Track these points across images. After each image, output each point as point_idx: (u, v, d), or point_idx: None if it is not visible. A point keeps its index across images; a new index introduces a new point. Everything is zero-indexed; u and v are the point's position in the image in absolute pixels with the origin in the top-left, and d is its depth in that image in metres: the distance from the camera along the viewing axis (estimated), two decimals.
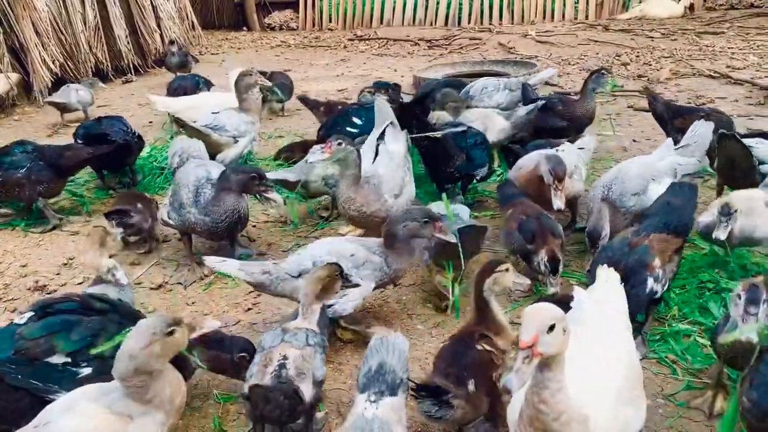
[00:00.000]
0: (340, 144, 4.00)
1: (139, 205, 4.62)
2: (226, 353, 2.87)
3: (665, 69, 9.18)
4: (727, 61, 9.53)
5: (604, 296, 2.67)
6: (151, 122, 7.87)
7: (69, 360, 2.52)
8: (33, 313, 2.70)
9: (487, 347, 2.71)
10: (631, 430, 2.27)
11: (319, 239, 3.72)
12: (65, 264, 4.60)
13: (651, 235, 3.34)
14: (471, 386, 2.55)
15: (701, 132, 4.43)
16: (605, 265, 2.89)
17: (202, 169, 4.37)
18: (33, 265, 4.63)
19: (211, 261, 3.35)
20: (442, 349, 2.82)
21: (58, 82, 9.26)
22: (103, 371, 2.44)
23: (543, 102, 5.74)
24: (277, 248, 4.70)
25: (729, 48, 10.43)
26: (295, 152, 6.06)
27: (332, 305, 3.27)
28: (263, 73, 7.12)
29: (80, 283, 4.33)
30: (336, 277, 2.95)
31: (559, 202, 3.91)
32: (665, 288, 3.28)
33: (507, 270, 2.90)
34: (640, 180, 4.07)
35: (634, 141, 6.41)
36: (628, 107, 7.63)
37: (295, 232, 4.92)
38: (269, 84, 6.14)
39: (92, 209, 5.48)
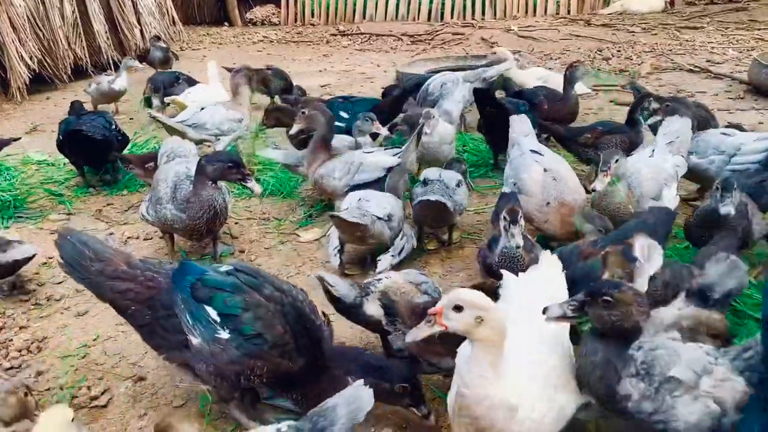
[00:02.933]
0: (303, 113, 4.87)
1: None
2: (386, 382, 2.74)
3: (646, 63, 9.25)
4: (707, 56, 9.62)
5: (542, 281, 2.74)
6: (132, 119, 7.78)
7: (218, 319, 2.67)
8: (231, 267, 2.84)
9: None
10: (564, 416, 2.36)
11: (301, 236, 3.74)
12: (44, 263, 4.54)
13: (608, 246, 3.22)
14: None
15: (679, 128, 4.41)
16: (548, 252, 3.02)
17: (182, 165, 4.31)
18: None
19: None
20: None
21: (35, 79, 9.15)
22: (237, 344, 2.65)
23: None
24: (259, 245, 4.68)
25: (709, 43, 10.53)
26: (284, 116, 5.92)
27: (403, 247, 4.19)
28: (259, 70, 7.19)
29: (60, 282, 4.28)
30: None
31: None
32: None
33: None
34: (655, 183, 4.01)
35: None
36: (610, 102, 7.68)
37: (277, 229, 4.89)
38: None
39: (73, 208, 5.41)
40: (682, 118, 4.52)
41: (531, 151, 4.31)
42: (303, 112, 4.87)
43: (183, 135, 5.27)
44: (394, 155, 4.72)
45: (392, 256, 4.14)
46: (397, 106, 6.09)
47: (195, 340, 2.69)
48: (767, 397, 2.16)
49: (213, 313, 2.67)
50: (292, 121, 5.20)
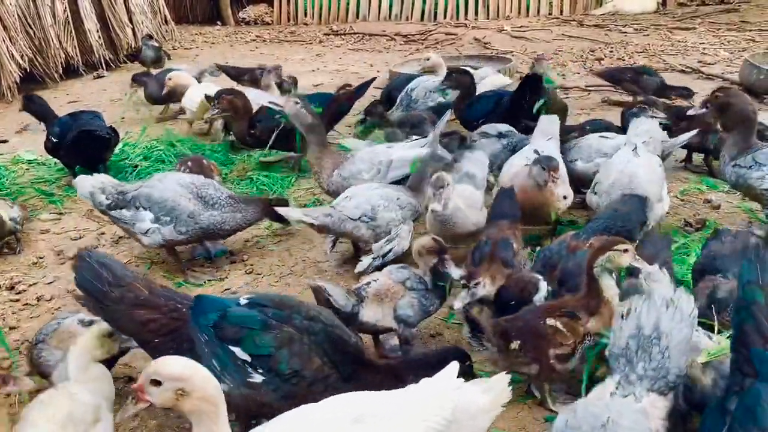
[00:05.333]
0: (297, 103, 4.52)
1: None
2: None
3: (638, 64, 9.27)
4: (698, 57, 9.66)
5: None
6: (123, 118, 7.74)
7: (249, 360, 2.47)
8: (249, 300, 2.66)
9: (558, 326, 2.81)
10: None
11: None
12: (35, 263, 4.51)
13: (592, 238, 3.29)
14: (514, 344, 2.80)
15: (649, 128, 4.39)
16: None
17: (174, 177, 4.32)
18: (1, 263, 4.53)
19: (283, 211, 4.05)
20: (524, 309, 3.00)
21: (26, 78, 9.09)
22: (274, 386, 2.48)
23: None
24: (251, 245, 4.66)
25: (701, 43, 10.57)
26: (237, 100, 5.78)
27: (390, 250, 3.83)
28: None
29: (50, 283, 4.25)
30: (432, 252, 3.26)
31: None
32: None
33: (625, 251, 2.80)
34: (656, 186, 3.97)
35: None
36: (602, 101, 7.70)
37: (269, 229, 4.87)
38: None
39: (64, 207, 5.38)
40: (650, 119, 4.56)
41: (534, 150, 4.33)
42: (296, 102, 4.60)
43: None
44: (421, 147, 4.58)
45: (373, 258, 3.93)
46: (353, 100, 6.10)
47: (224, 387, 2.42)
48: (725, 406, 2.14)
49: (243, 354, 2.47)
50: (245, 107, 5.25)
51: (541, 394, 2.95)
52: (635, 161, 4.05)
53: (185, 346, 2.58)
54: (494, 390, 2.29)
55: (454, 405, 2.13)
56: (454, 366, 2.27)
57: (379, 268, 3.62)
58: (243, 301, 2.63)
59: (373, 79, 6.22)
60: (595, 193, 4.08)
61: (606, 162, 4.27)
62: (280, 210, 4.11)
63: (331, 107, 5.73)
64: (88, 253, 2.77)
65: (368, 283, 3.30)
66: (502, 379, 2.33)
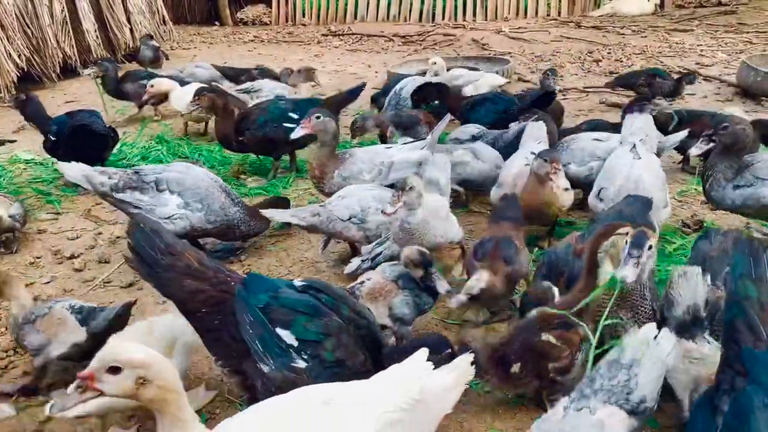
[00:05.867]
0: (318, 117, 4.40)
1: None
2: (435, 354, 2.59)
3: (636, 66, 9.29)
4: (696, 58, 9.69)
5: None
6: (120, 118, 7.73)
7: (295, 344, 2.44)
8: (306, 284, 2.63)
9: (552, 340, 2.76)
10: None
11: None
12: (32, 263, 4.50)
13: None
14: (515, 368, 2.77)
15: (643, 125, 4.37)
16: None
17: (200, 169, 4.40)
18: None
19: (267, 212, 4.09)
20: (516, 325, 2.97)
21: (24, 77, 9.07)
22: (316, 373, 2.44)
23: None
24: (249, 244, 4.66)
25: (698, 45, 10.60)
26: (219, 99, 5.62)
27: (380, 253, 3.76)
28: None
29: (47, 282, 4.24)
30: (418, 264, 3.17)
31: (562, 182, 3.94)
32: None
33: (627, 234, 2.76)
34: (661, 192, 3.91)
35: None
36: (600, 103, 7.71)
37: (272, 231, 4.87)
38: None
39: (62, 207, 5.37)
40: (643, 114, 4.47)
41: (531, 153, 4.32)
42: (317, 117, 4.45)
43: None
44: (420, 149, 4.57)
45: (362, 260, 3.89)
46: (343, 105, 6.09)
47: (266, 368, 2.46)
48: (716, 404, 2.11)
49: (290, 338, 2.45)
50: (225, 107, 5.31)
51: (543, 402, 2.93)
52: (638, 164, 3.97)
53: (230, 319, 2.54)
54: (459, 368, 2.30)
55: (420, 387, 2.13)
56: (422, 352, 2.28)
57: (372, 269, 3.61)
58: (298, 284, 2.62)
59: (363, 84, 6.19)
60: (601, 200, 3.96)
61: (608, 166, 4.12)
62: (265, 212, 4.12)
63: None
64: (142, 218, 2.76)
65: (362, 282, 3.30)
66: (467, 358, 2.34)
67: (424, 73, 7.42)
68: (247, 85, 7.27)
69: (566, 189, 4.08)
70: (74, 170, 4.11)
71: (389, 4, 14.53)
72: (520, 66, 9.57)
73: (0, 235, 4.59)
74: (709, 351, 2.55)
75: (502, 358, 2.80)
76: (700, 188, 5.14)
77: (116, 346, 1.92)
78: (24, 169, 6.23)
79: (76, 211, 5.30)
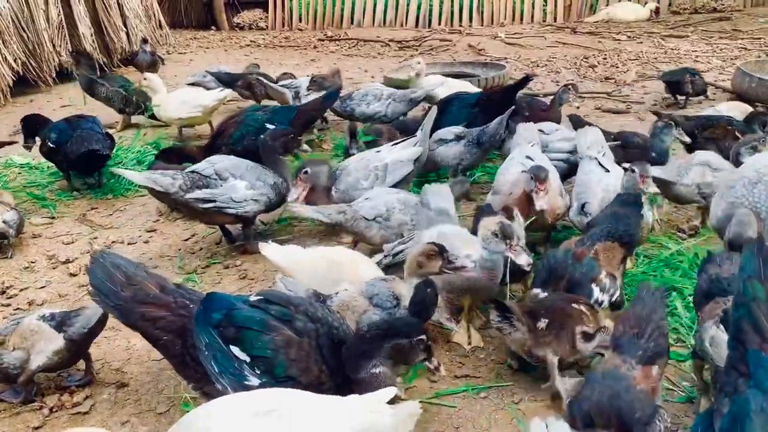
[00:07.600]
0: (306, 173, 4.53)
1: None
2: (405, 338, 2.54)
3: (631, 71, 9.33)
4: (691, 64, 9.71)
5: None
6: (116, 121, 7.72)
7: (248, 360, 2.45)
8: (260, 298, 2.62)
9: (582, 308, 2.98)
10: None
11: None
12: (26, 268, 4.48)
13: (596, 244, 3.29)
14: (542, 324, 2.92)
15: (596, 138, 4.42)
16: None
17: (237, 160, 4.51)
18: None
19: (293, 206, 4.20)
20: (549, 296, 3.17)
21: (19, 81, 9.05)
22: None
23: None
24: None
25: (693, 51, 10.65)
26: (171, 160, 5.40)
27: (401, 251, 3.62)
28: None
29: (42, 287, 4.22)
30: (434, 255, 3.15)
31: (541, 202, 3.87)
32: (614, 297, 3.24)
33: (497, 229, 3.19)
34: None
35: None
36: (596, 109, 7.73)
37: (267, 236, 4.86)
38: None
39: (57, 212, 5.35)
40: (591, 127, 4.59)
41: (527, 156, 4.32)
42: (306, 172, 4.54)
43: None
44: (413, 146, 4.62)
45: (385, 256, 3.88)
46: (321, 110, 6.13)
47: (220, 387, 2.48)
48: (717, 408, 2.07)
49: (242, 354, 2.45)
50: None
51: (550, 371, 2.94)
52: (610, 177, 4.08)
53: (191, 342, 2.57)
54: (400, 415, 2.21)
55: (363, 420, 2.14)
56: (390, 391, 2.27)
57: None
58: (253, 299, 2.62)
59: (339, 88, 6.22)
60: (588, 215, 3.94)
61: (581, 181, 4.17)
62: (293, 208, 4.21)
63: (299, 120, 5.56)
64: (102, 254, 2.79)
65: (338, 293, 3.19)
66: (413, 405, 2.27)
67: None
68: (288, 81, 7.32)
69: (543, 211, 3.94)
70: (141, 177, 4.28)
71: (385, 9, 14.56)
72: (515, 71, 9.59)
73: None
74: None
75: (533, 312, 2.98)
76: None
77: None
78: (18, 173, 6.21)
79: (71, 216, 5.29)
